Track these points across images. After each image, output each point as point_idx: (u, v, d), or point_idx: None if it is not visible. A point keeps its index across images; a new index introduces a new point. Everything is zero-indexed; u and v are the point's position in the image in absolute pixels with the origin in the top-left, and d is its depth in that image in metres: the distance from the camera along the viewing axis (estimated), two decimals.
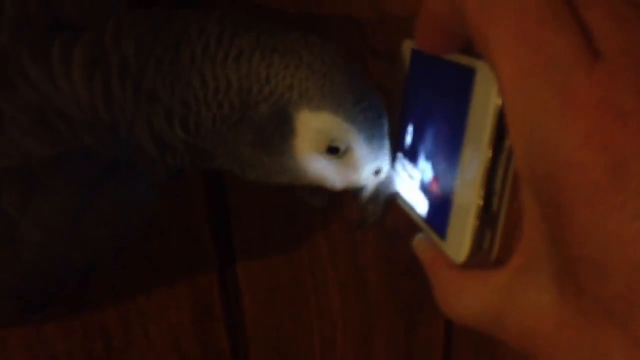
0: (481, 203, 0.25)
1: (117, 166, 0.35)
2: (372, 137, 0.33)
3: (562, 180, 0.19)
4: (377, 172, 0.35)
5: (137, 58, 0.33)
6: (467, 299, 0.27)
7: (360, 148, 0.33)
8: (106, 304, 0.52)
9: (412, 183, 0.32)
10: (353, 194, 0.37)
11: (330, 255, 0.57)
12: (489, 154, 0.24)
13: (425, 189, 0.30)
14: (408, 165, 0.32)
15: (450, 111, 0.27)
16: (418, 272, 0.58)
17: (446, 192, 0.28)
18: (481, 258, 0.26)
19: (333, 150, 0.33)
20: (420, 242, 0.31)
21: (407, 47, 0.33)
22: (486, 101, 0.24)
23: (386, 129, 0.34)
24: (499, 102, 0.23)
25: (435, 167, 0.29)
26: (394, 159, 0.36)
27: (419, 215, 0.30)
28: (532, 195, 0.21)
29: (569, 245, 0.19)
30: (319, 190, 0.37)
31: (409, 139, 0.33)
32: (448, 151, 0.27)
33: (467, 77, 0.25)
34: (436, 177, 0.29)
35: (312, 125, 0.32)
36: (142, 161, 0.36)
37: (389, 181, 0.36)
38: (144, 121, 0.34)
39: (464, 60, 0.26)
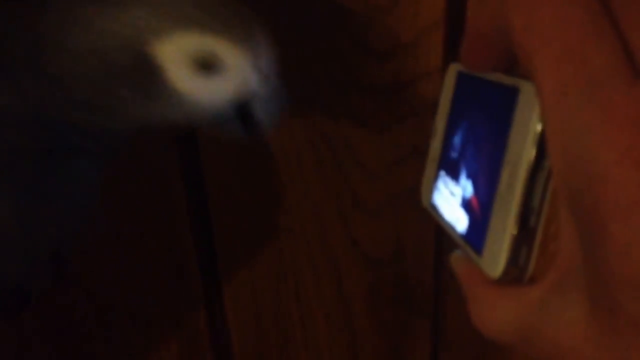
0: (518, 219, 0.26)
1: (53, 155, 0.34)
2: (231, 32, 0.33)
3: (597, 196, 0.19)
4: (258, 71, 0.35)
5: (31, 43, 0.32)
6: (500, 313, 0.26)
7: (226, 50, 0.33)
8: (96, 336, 0.50)
9: (452, 200, 0.32)
10: (244, 104, 0.36)
11: (315, 286, 0.56)
12: (528, 170, 0.25)
13: (465, 205, 0.30)
14: (450, 182, 0.33)
15: (493, 129, 0.28)
16: (402, 301, 0.60)
17: (485, 208, 0.28)
18: (516, 274, 0.27)
19: (206, 66, 0.33)
20: (456, 258, 0.31)
21: (453, 70, 0.33)
22: (528, 119, 0.24)
23: (250, 25, 0.34)
24: (541, 121, 0.24)
25: (475, 184, 0.30)
26: None
27: (457, 232, 0.31)
28: (568, 211, 0.21)
29: (603, 260, 0.19)
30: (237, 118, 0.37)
31: (452, 157, 0.33)
32: (489, 168, 0.28)
33: (510, 97, 0.26)
34: (476, 194, 0.29)
35: (171, 52, 0.32)
36: (74, 143, 0.35)
37: (271, 79, 0.36)
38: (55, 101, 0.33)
39: (508, 80, 0.26)
